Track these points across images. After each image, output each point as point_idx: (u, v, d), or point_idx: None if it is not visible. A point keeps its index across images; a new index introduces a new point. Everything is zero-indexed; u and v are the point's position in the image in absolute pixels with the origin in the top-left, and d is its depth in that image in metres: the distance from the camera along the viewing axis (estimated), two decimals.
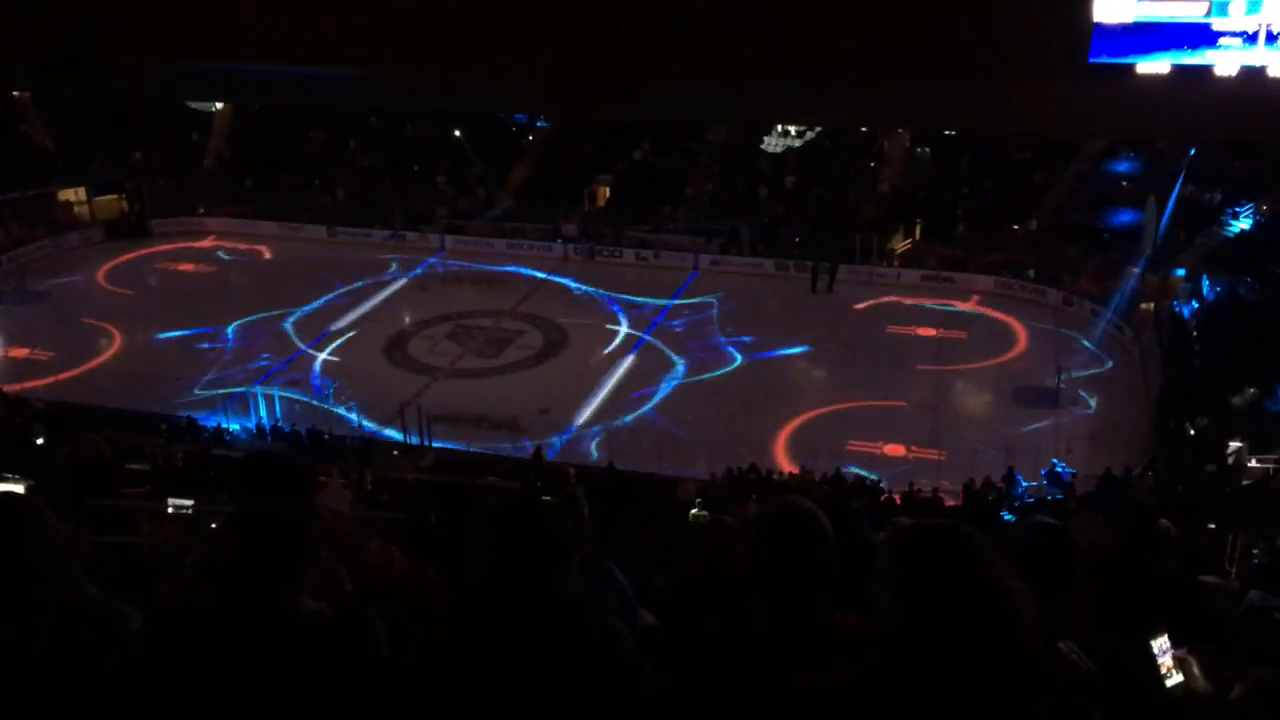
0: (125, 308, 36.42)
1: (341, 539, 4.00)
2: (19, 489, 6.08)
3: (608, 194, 44.51)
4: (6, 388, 27.93)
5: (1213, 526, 17.07)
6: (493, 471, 24.62)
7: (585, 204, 44.17)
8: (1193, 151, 35.72)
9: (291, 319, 35.08)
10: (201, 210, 45.64)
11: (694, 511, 17.75)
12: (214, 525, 8.12)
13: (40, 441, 21.62)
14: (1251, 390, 25.32)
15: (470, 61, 6.19)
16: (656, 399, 29.24)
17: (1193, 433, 24.98)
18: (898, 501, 21.76)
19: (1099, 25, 5.59)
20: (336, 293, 37.37)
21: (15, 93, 43.35)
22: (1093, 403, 29.06)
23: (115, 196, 45.67)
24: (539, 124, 45.85)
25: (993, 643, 2.48)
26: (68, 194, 44.92)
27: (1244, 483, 22.44)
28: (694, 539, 5.80)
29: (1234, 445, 23.54)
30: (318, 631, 2.93)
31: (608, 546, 9.23)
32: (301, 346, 33.02)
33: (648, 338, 33.78)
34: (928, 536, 2.64)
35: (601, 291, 37.67)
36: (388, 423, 27.36)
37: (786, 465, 25.13)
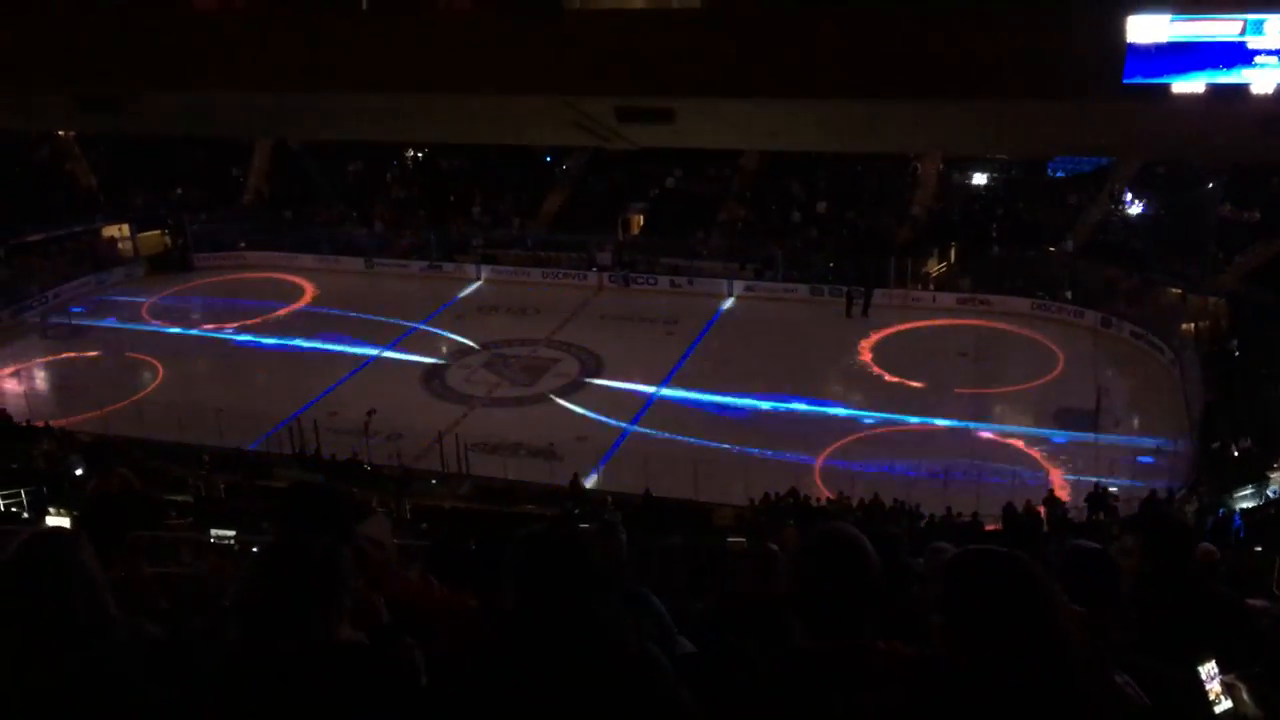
0: (168, 341, 36.94)
1: (380, 569, 4.01)
2: (65, 523, 6.16)
3: (641, 221, 44.66)
4: (52, 422, 28.34)
5: (1259, 549, 16.80)
6: (530, 499, 24.66)
7: (619, 232, 44.33)
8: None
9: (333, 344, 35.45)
10: (242, 244, 46.35)
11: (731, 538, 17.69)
12: (253, 553, 8.19)
13: (79, 472, 21.94)
14: None
15: (500, 92, 6.27)
16: (691, 425, 29.17)
17: (1236, 454, 24.60)
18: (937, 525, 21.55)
19: (1133, 46, 5.56)
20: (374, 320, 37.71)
21: (60, 132, 44.26)
22: (1133, 424, 28.72)
23: (158, 232, 46.53)
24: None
25: (1046, 673, 2.45)
26: (111, 230, 45.78)
27: None
28: (732, 564, 5.79)
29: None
30: (356, 661, 2.94)
31: (645, 572, 9.23)
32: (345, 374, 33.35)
33: (681, 364, 33.80)
34: (987, 563, 2.62)
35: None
36: (425, 453, 27.48)
37: (824, 491, 24.96)
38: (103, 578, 3.12)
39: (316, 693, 2.83)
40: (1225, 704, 3.90)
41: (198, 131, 33.26)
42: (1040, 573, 2.57)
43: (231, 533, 9.97)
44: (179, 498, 21.76)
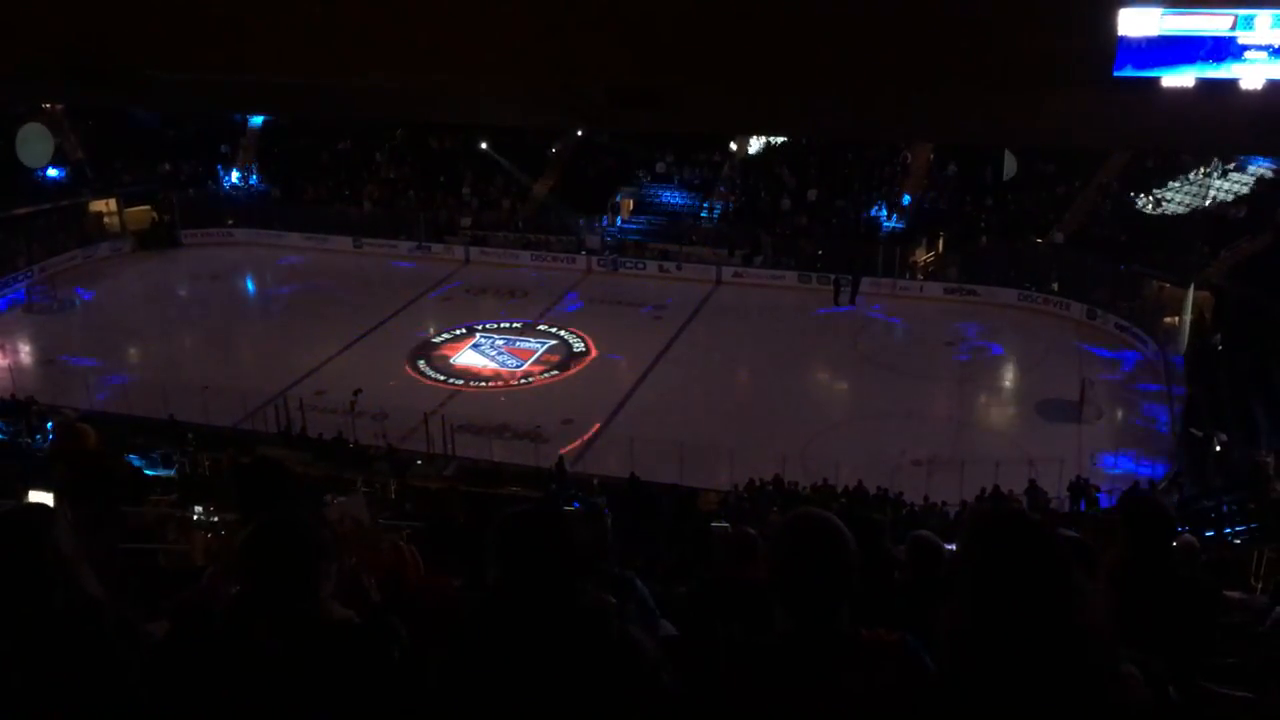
0: (154, 317, 36.76)
1: (365, 548, 4.03)
2: (47, 498, 6.11)
3: (631, 206, 44.59)
4: (38, 398, 28.19)
5: (1238, 541, 16.95)
6: (516, 481, 24.68)
7: (609, 216, 44.24)
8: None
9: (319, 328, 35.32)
10: (230, 221, 46.13)
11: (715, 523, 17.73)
12: (223, 532, 8.18)
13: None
14: None
15: (492, 72, 6.25)
16: (677, 410, 29.19)
17: (1218, 447, 24.73)
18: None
19: (1124, 39, 5.59)
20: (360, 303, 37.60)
21: (48, 104, 43.88)
22: (1117, 416, 28.87)
23: (146, 207, 46.19)
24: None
25: (1063, 654, 2.47)
26: (99, 205, 45.42)
27: (1271, 497, 22.18)
28: (715, 549, 5.80)
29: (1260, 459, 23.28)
30: (346, 640, 2.95)
31: (629, 556, 9.26)
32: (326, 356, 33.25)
33: (670, 346, 33.80)
34: (1011, 526, 2.65)
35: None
36: (411, 433, 27.46)
37: (808, 477, 25.02)
38: (81, 556, 3.00)
39: (308, 671, 2.84)
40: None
41: (195, 109, 33.11)
42: (1064, 547, 2.59)
43: (215, 511, 9.96)
44: (165, 474, 21.72)
